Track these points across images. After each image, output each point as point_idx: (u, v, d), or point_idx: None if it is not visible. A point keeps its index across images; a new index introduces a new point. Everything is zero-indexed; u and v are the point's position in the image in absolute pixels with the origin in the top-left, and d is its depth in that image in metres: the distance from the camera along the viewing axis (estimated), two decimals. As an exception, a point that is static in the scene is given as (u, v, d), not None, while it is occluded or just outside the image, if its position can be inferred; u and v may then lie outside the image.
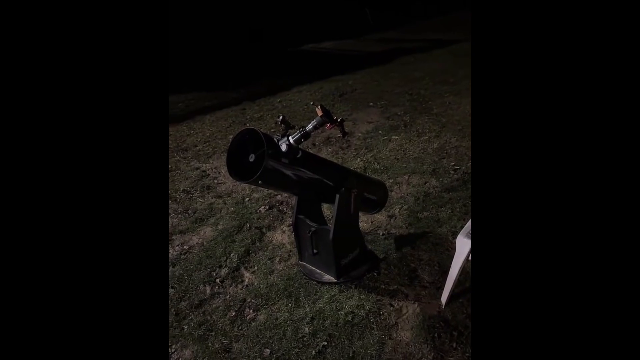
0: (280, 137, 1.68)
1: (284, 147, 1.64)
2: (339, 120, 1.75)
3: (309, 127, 1.71)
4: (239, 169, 1.70)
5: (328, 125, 1.72)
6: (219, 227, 2.60)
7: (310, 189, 1.95)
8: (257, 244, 2.42)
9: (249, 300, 2.01)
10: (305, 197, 2.04)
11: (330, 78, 6.31)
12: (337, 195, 1.91)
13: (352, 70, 6.68)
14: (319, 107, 1.70)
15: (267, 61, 8.57)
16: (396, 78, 5.97)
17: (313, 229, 2.01)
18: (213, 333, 1.83)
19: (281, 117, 1.69)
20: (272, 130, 4.19)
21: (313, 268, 2.12)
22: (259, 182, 1.65)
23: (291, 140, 1.66)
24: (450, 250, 2.19)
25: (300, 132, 1.68)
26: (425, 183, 2.92)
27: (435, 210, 2.57)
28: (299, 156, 1.70)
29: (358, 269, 2.08)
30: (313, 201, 2.10)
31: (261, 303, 1.98)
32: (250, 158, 1.70)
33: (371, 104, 4.86)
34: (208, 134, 4.41)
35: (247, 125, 4.54)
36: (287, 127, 1.69)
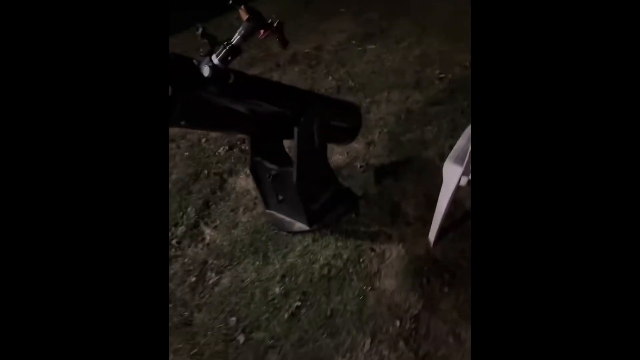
0: (201, 60, 1.25)
1: (206, 72, 1.23)
2: (275, 24, 1.31)
3: (236, 38, 1.27)
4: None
5: (261, 32, 1.29)
6: (173, 177, 2.26)
7: (260, 124, 1.57)
8: (218, 193, 2.10)
9: (210, 261, 1.75)
10: (257, 135, 1.68)
11: (294, -15, 5.51)
12: (295, 128, 1.54)
13: (319, -27, 5.83)
14: (242, 7, 1.25)
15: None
16: (369, -24, 5.21)
17: (273, 172, 1.68)
18: (171, 305, 1.60)
19: (200, 29, 1.23)
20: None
21: (282, 216, 1.83)
22: (181, 122, 1.28)
23: (215, 61, 1.24)
24: (438, 177, 1.89)
25: (224, 47, 1.25)
26: (407, 98, 2.54)
27: (419, 131, 2.24)
28: (230, 81, 1.30)
29: (333, 211, 1.80)
30: (269, 138, 1.73)
31: (224, 264, 1.72)
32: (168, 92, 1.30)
33: (342, 9, 4.23)
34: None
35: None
36: (213, 43, 1.25)
